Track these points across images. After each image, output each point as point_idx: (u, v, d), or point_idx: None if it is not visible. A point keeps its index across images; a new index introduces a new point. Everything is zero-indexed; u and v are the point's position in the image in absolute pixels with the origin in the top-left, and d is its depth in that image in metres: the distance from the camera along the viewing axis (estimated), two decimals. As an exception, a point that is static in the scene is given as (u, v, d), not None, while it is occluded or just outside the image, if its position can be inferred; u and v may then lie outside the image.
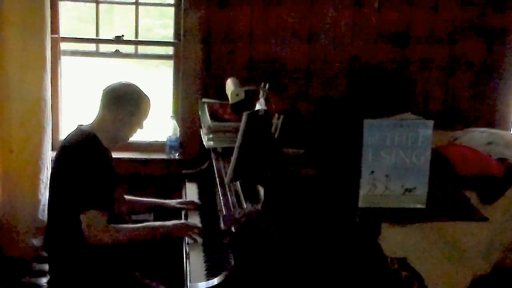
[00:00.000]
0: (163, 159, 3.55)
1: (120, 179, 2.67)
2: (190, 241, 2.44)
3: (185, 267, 2.25)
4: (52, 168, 2.51)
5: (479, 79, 3.61)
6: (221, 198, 2.39)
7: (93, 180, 2.32)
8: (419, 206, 2.05)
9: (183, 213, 2.79)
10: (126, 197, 2.79)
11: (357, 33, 3.49)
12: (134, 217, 2.76)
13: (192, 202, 2.85)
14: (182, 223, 2.54)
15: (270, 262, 2.01)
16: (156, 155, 3.59)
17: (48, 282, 2.53)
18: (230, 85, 2.82)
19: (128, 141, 2.64)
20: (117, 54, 3.59)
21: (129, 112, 2.46)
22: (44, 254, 2.64)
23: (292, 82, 3.50)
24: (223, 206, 2.31)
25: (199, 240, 2.45)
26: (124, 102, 2.45)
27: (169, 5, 3.62)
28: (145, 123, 2.57)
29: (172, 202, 2.85)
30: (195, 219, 2.68)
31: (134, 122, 2.50)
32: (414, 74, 3.57)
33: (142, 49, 3.70)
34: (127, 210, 2.74)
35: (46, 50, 3.25)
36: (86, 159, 2.34)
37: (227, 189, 2.41)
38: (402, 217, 2.05)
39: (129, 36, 3.58)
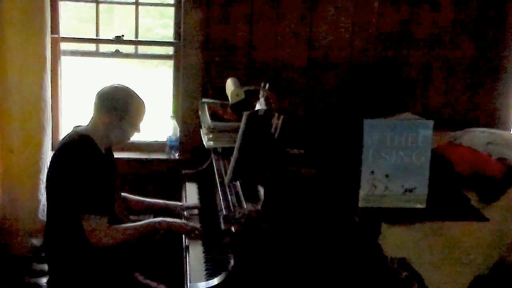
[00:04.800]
0: (163, 159, 3.55)
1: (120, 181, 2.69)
2: (188, 241, 2.44)
3: (185, 267, 2.25)
4: (48, 170, 2.50)
5: (479, 79, 3.61)
6: (221, 198, 2.39)
7: (89, 184, 2.32)
8: (419, 206, 2.05)
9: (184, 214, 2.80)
10: (132, 196, 2.80)
11: (357, 34, 3.49)
12: (132, 217, 2.77)
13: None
14: (184, 222, 2.55)
15: (270, 262, 2.01)
16: (156, 155, 3.59)
17: (47, 282, 2.53)
18: (230, 85, 2.82)
19: (128, 141, 2.64)
20: (117, 54, 3.60)
21: (118, 117, 2.44)
22: (44, 254, 2.64)
23: (292, 82, 3.51)
24: (223, 206, 2.31)
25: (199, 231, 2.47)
26: (113, 107, 2.44)
27: (169, 5, 3.62)
28: (141, 126, 2.54)
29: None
30: (195, 220, 2.67)
31: (125, 126, 2.48)
32: (415, 74, 3.58)
33: (142, 49, 3.70)
34: (126, 210, 2.75)
35: (46, 50, 3.25)
36: (81, 162, 2.34)
37: (227, 189, 2.41)
38: (402, 217, 2.05)
39: (129, 36, 3.58)
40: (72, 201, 2.32)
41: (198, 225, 2.55)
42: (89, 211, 2.30)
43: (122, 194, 2.77)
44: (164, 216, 2.58)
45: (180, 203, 2.86)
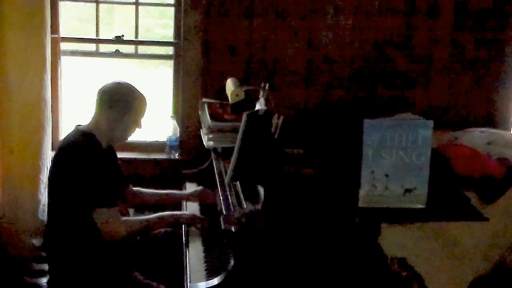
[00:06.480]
0: (163, 159, 3.55)
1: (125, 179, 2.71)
2: (193, 229, 2.49)
3: (185, 267, 2.25)
4: (51, 168, 2.51)
5: (479, 80, 3.61)
6: (221, 198, 2.39)
7: (97, 178, 2.33)
8: (419, 206, 2.05)
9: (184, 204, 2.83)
10: (145, 190, 2.84)
11: (357, 35, 3.49)
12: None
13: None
14: (193, 214, 2.58)
15: (270, 262, 2.01)
16: (156, 155, 3.59)
17: (48, 282, 2.53)
18: (230, 85, 2.82)
19: (128, 141, 2.65)
20: (117, 54, 3.59)
21: (121, 113, 2.45)
22: (44, 254, 2.64)
23: (292, 83, 3.51)
24: (223, 206, 2.31)
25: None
26: (116, 103, 2.45)
27: (169, 5, 3.62)
28: (143, 122, 2.56)
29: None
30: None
31: (128, 122, 2.49)
32: (415, 74, 3.58)
33: (142, 49, 3.70)
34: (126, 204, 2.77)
35: (46, 50, 3.25)
36: (86, 159, 2.34)
37: (227, 189, 2.41)
38: (402, 217, 2.06)
39: (129, 36, 3.58)
40: (81, 197, 2.32)
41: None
42: (100, 204, 2.32)
43: (134, 188, 2.78)
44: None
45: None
